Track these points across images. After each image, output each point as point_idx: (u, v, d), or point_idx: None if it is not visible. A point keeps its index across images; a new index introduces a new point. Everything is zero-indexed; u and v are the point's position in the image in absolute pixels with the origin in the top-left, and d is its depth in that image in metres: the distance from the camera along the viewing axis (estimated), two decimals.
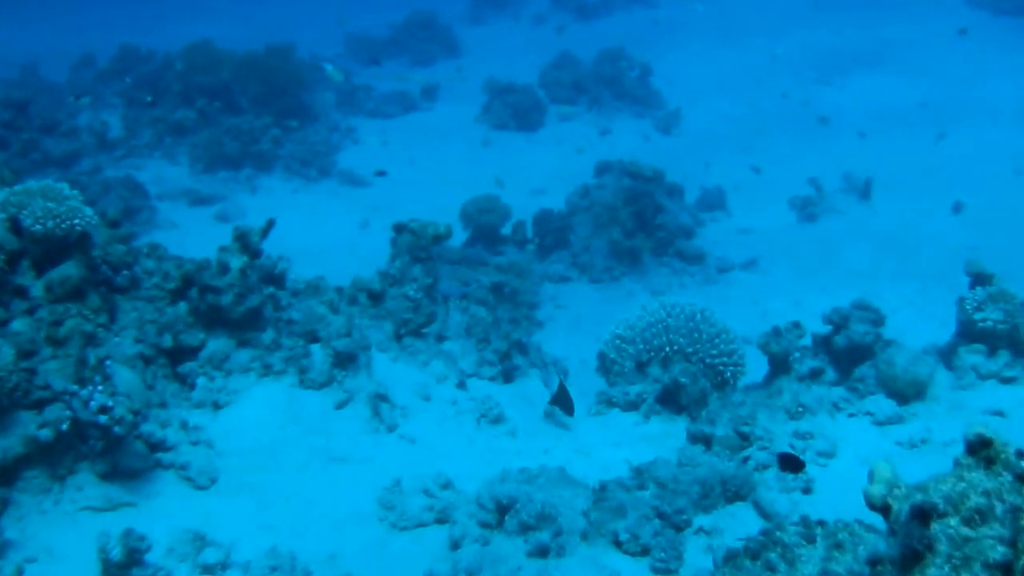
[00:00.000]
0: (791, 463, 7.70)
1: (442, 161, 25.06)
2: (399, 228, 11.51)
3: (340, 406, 9.47)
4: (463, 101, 29.51)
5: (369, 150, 25.82)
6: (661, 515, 7.70)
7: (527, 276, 17.50)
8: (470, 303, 12.40)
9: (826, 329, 10.80)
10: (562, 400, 10.02)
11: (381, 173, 19.59)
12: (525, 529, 7.59)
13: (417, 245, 11.30)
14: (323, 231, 21.26)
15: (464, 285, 15.23)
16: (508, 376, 11.86)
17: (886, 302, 16.88)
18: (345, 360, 9.64)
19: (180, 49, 25.80)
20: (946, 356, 10.31)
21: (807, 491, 8.27)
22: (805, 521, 5.76)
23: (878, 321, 10.81)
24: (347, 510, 8.43)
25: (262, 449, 8.92)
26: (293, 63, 25.94)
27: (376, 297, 10.70)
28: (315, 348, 9.66)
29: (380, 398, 9.60)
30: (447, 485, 8.58)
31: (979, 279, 10.31)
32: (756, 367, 11.12)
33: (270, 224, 9.75)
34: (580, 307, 17.58)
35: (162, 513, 8.18)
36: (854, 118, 28.61)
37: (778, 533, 5.62)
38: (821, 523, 5.69)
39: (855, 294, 17.32)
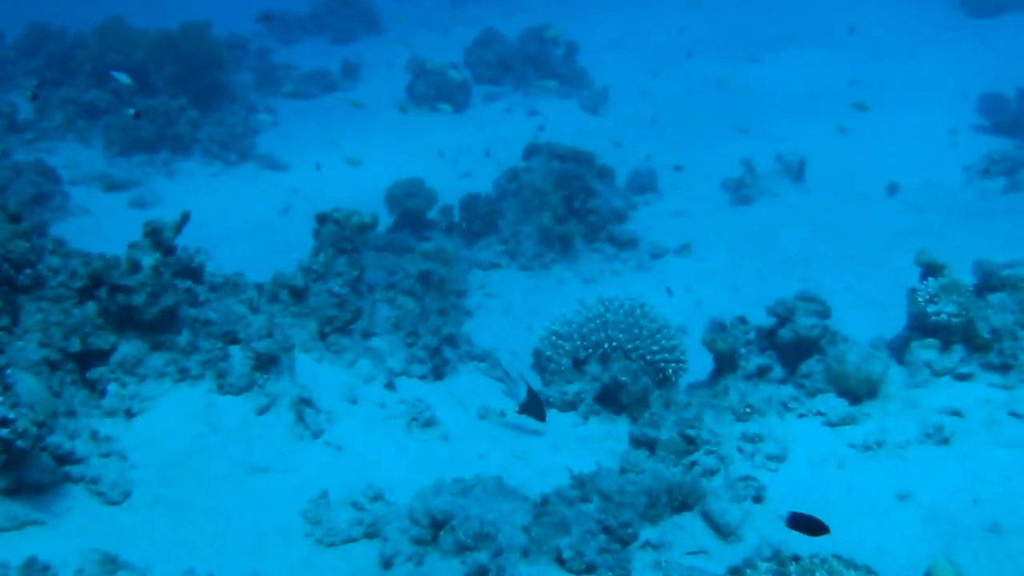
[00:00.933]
0: (810, 526, 6.68)
1: (365, 143, 24.43)
2: (322, 219, 10.96)
3: (262, 412, 8.88)
4: (385, 81, 28.90)
5: (288, 132, 25.17)
6: (606, 529, 7.23)
7: (455, 263, 16.96)
8: (397, 294, 11.89)
9: (770, 321, 10.42)
10: (532, 407, 9.44)
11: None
12: (462, 549, 7.09)
13: (341, 236, 10.76)
14: (243, 216, 20.68)
15: (390, 274, 14.70)
16: (439, 373, 11.35)
17: (823, 287, 16.68)
18: (266, 362, 9.06)
19: (92, 28, 24.94)
20: (896, 350, 9.96)
21: (758, 500, 7.85)
22: (778, 557, 5.31)
23: (824, 313, 10.44)
24: (270, 525, 7.86)
25: (179, 460, 8.32)
26: (209, 42, 25.16)
27: (299, 294, 10.13)
28: (234, 350, 9.06)
29: (304, 402, 9.03)
30: (377, 497, 8.05)
31: (930, 270, 9.94)
32: (695, 358, 10.72)
33: (184, 218, 9.15)
34: (510, 295, 17.12)
35: (71, 532, 7.56)
36: (784, 96, 28.40)
37: (749, 572, 5.15)
38: (795, 558, 5.24)
39: (792, 279, 17.19)
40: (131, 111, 19.34)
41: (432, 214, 18.48)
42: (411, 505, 7.62)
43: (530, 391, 9.34)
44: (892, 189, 20.83)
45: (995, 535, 7.20)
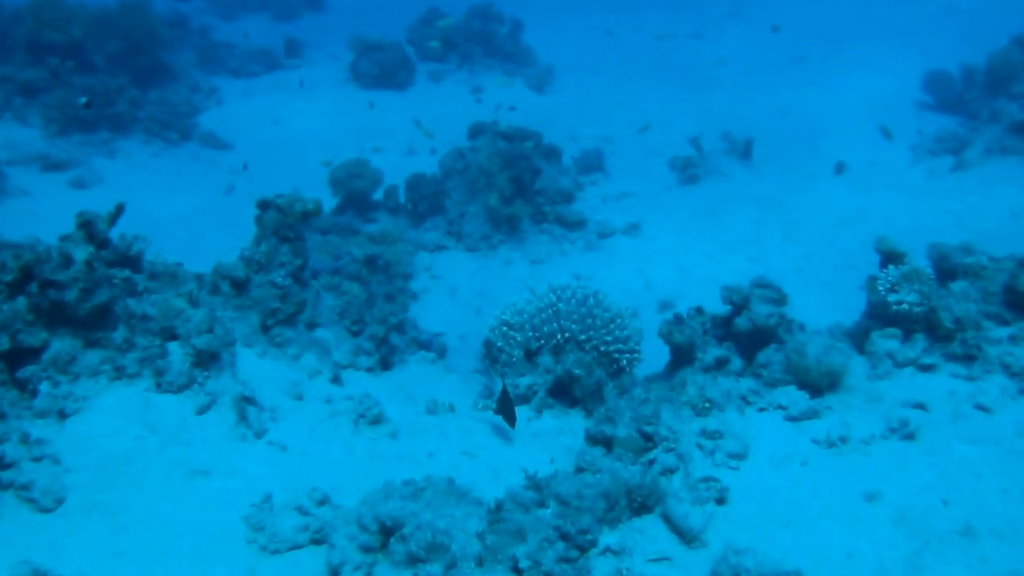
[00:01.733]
0: None
1: (308, 122, 23.95)
2: (264, 205, 10.55)
3: (202, 411, 8.48)
4: (329, 59, 28.39)
5: (231, 111, 24.65)
6: (564, 536, 6.92)
7: (401, 245, 16.62)
8: (342, 279, 11.57)
9: (725, 309, 10.15)
10: (504, 409, 9.05)
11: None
12: (414, 561, 6.76)
13: (284, 223, 10.37)
14: (186, 197, 20.18)
15: (335, 259, 14.36)
16: (386, 363, 11.04)
17: (772, 268, 16.54)
18: (207, 359, 8.65)
19: (28, 3, 24.21)
20: (856, 338, 9.72)
21: (721, 501, 7.55)
22: None
23: (780, 300, 10.17)
24: (212, 531, 7.48)
25: (115, 463, 7.91)
26: (149, 19, 24.50)
27: (240, 286, 9.73)
28: (173, 347, 8.65)
29: (246, 400, 8.63)
30: (324, 500, 7.69)
31: (890, 257, 9.70)
32: (647, 341, 10.44)
33: (119, 209, 8.73)
34: (457, 277, 16.82)
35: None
36: (729, 73, 28.22)
37: None
38: None
39: (741, 260, 16.99)
40: (83, 100, 18.77)
41: (377, 195, 18.08)
42: (359, 511, 7.27)
43: (504, 393, 8.97)
44: (840, 168, 20.69)
45: (968, 538, 6.96)
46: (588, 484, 7.35)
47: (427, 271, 16.87)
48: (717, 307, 15.47)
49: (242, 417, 8.52)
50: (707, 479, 7.65)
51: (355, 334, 10.74)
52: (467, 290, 16.27)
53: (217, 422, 8.46)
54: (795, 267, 16.64)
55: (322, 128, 23.60)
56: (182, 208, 19.72)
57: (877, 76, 26.97)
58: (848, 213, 18.39)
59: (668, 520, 7.37)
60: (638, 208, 19.13)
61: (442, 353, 13.04)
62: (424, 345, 12.78)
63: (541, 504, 7.18)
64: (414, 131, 22.89)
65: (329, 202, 17.72)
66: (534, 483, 7.37)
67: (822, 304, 14.68)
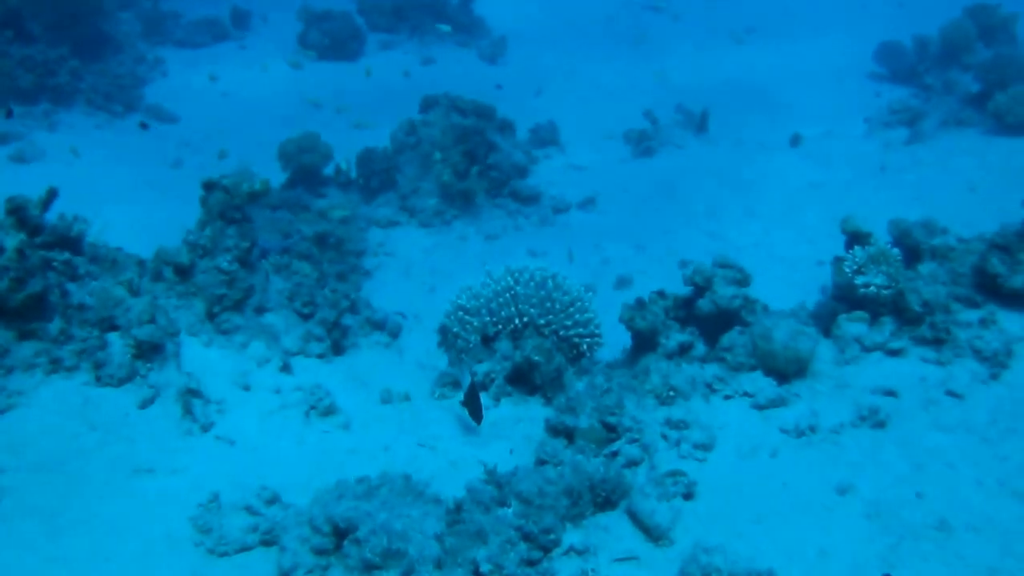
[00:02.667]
0: None
1: (257, 94, 23.42)
2: (209, 186, 10.15)
3: (145, 405, 8.10)
4: (277, 29, 27.80)
5: (178, 82, 24.08)
6: (527, 536, 6.61)
7: (352, 222, 16.24)
8: (292, 258, 11.17)
9: (686, 290, 9.89)
10: (471, 405, 8.64)
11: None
12: (370, 568, 6.44)
13: (231, 205, 9.97)
14: (132, 171, 19.60)
15: (285, 238, 13.97)
16: (338, 348, 10.67)
17: (730, 243, 16.32)
18: (149, 350, 8.27)
19: None
20: (821, 320, 9.48)
21: (688, 496, 7.25)
22: None
23: (743, 281, 9.91)
24: (156, 534, 7.11)
25: (52, 462, 7.52)
26: None
27: (184, 272, 9.32)
28: (113, 338, 8.26)
29: (192, 393, 8.26)
30: (273, 499, 7.35)
31: (856, 238, 9.45)
32: (604, 319, 10.13)
33: (51, 194, 8.32)
34: (411, 254, 16.40)
35: None
36: (683, 44, 27.93)
37: None
38: None
39: (699, 235, 16.73)
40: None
41: (328, 170, 17.65)
42: (311, 512, 6.95)
43: (472, 388, 8.59)
44: (795, 140, 20.44)
45: (944, 533, 6.72)
46: (551, 480, 7.04)
47: (380, 248, 16.45)
48: (676, 284, 15.31)
49: (187, 411, 8.15)
50: (674, 473, 7.35)
51: (306, 317, 10.36)
52: (421, 267, 15.89)
53: (161, 416, 8.09)
54: (753, 241, 16.38)
55: (271, 100, 23.07)
56: (128, 182, 19.14)
57: (829, 47, 26.79)
58: (805, 187, 18.13)
59: (634, 517, 7.08)
60: (593, 182, 18.79)
61: (396, 333, 12.67)
62: (378, 325, 12.41)
63: (502, 503, 6.87)
64: (365, 103, 22.47)
65: (279, 177, 17.29)
66: (494, 480, 7.05)
67: (780, 280, 14.46)
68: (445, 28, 25.68)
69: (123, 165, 19.81)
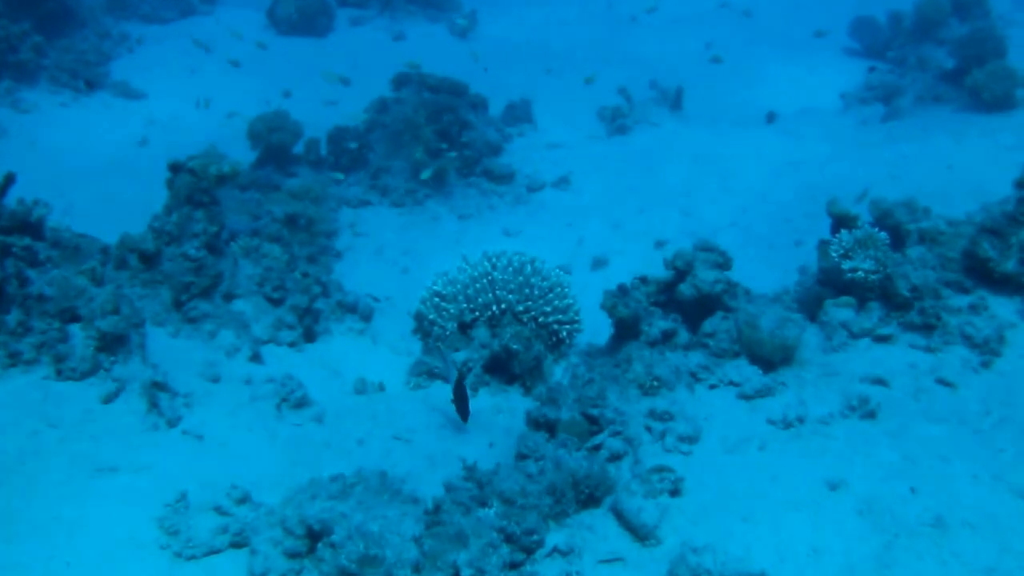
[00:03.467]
0: None
1: (225, 71, 22.97)
2: (175, 168, 9.84)
3: (108, 400, 7.77)
4: (245, 4, 27.30)
5: (144, 58, 23.59)
6: (509, 538, 6.35)
7: (323, 201, 15.90)
8: (262, 240, 10.87)
9: (667, 274, 9.62)
10: (458, 403, 8.27)
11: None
12: (345, 575, 6.15)
13: (198, 188, 9.66)
14: (98, 149, 19.24)
15: (255, 219, 13.64)
16: (310, 334, 10.41)
17: (707, 222, 16.09)
18: (113, 342, 7.93)
19: None
20: (805, 305, 9.26)
21: (675, 493, 6.98)
22: None
23: (725, 265, 9.66)
24: (120, 536, 6.79)
25: (9, 462, 7.18)
26: None
27: (150, 259, 9.00)
28: (75, 329, 7.91)
29: (158, 386, 7.93)
30: (244, 499, 7.04)
31: (842, 221, 9.20)
32: (584, 302, 9.88)
33: (8, 179, 7.97)
34: (382, 234, 16.11)
35: None
36: (655, 19, 27.61)
37: None
38: None
39: (675, 213, 16.48)
40: None
41: (298, 148, 17.31)
42: (284, 513, 6.66)
43: (459, 384, 8.24)
44: (771, 117, 20.21)
45: (939, 530, 6.47)
46: (533, 478, 6.78)
47: (351, 228, 16.13)
48: (653, 264, 15.05)
49: (153, 405, 7.83)
50: (660, 469, 7.07)
51: (276, 302, 10.07)
52: (393, 247, 15.59)
53: (125, 412, 7.76)
54: (730, 220, 16.15)
55: (240, 78, 22.64)
56: (93, 162, 18.78)
57: (804, 20, 26.52)
58: (781, 164, 17.88)
59: (619, 515, 6.81)
60: (567, 160, 18.49)
61: (368, 317, 12.41)
62: (350, 308, 12.16)
63: (483, 503, 6.60)
64: (335, 85, 22.12)
65: (248, 156, 16.95)
66: (475, 478, 6.78)
67: (759, 259, 14.26)
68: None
69: (89, 144, 19.44)
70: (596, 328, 10.06)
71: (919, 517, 6.61)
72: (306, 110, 18.65)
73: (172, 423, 7.86)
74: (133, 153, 19.27)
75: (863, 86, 21.03)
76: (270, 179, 16.19)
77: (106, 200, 16.44)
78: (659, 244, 15.31)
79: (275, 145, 17.03)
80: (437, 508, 6.55)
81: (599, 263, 14.92)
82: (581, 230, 16.04)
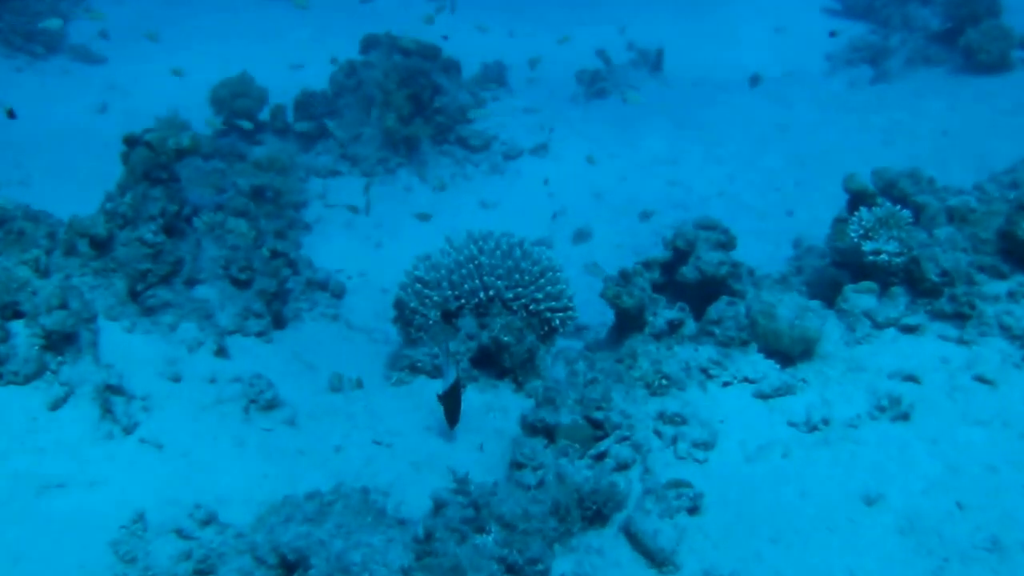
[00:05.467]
0: None
1: (188, 36, 22.01)
2: (131, 141, 9.01)
3: (56, 406, 6.90)
4: None
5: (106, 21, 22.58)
6: (511, 568, 5.60)
7: (290, 172, 15.06)
8: (227, 215, 10.08)
9: (665, 254, 8.91)
10: (448, 405, 7.44)
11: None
12: None
13: (156, 163, 8.82)
14: (54, 117, 18.33)
15: (219, 192, 12.79)
16: (279, 320, 9.61)
17: (694, 191, 15.36)
18: (60, 341, 7.06)
19: None
20: (816, 288, 8.58)
21: (694, 511, 6.25)
22: None
23: (728, 244, 9.02)
24: (69, 563, 6.00)
25: None
26: None
27: (102, 245, 8.13)
28: (17, 327, 7.04)
29: (112, 389, 7.07)
30: (209, 519, 6.25)
31: (860, 197, 8.47)
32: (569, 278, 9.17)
33: None
34: (357, 208, 15.22)
35: None
36: None
37: None
38: None
39: (660, 182, 15.71)
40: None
41: (263, 115, 16.41)
42: (254, 539, 5.89)
43: (454, 386, 7.40)
44: (755, 80, 19.43)
45: (997, 555, 5.77)
46: (536, 499, 6.03)
47: (320, 199, 15.30)
48: (639, 237, 14.36)
49: (107, 410, 6.98)
50: (677, 484, 6.35)
51: (243, 284, 9.26)
52: (365, 220, 14.76)
53: (76, 419, 6.90)
54: (717, 190, 15.42)
55: (205, 43, 21.69)
56: (50, 130, 17.88)
57: None
58: (768, 129, 17.14)
59: (633, 537, 6.09)
60: (545, 125, 17.65)
61: (340, 294, 11.67)
62: (321, 285, 11.41)
63: (480, 528, 5.83)
64: (299, 42, 21.22)
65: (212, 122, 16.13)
66: (471, 500, 6.00)
67: (750, 232, 13.41)
68: None
69: (45, 111, 18.52)
70: (582, 308, 9.36)
71: (971, 538, 5.91)
72: (272, 75, 17.76)
73: (128, 430, 7.02)
74: (92, 121, 18.36)
75: (848, 47, 20.29)
76: (235, 147, 15.36)
77: (64, 169, 15.63)
78: (644, 215, 14.58)
79: (239, 112, 16.15)
80: (428, 536, 5.77)
81: (581, 236, 14.16)
82: (561, 200, 15.22)
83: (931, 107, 16.84)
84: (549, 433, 6.92)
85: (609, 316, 9.46)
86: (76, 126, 18.02)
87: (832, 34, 19.89)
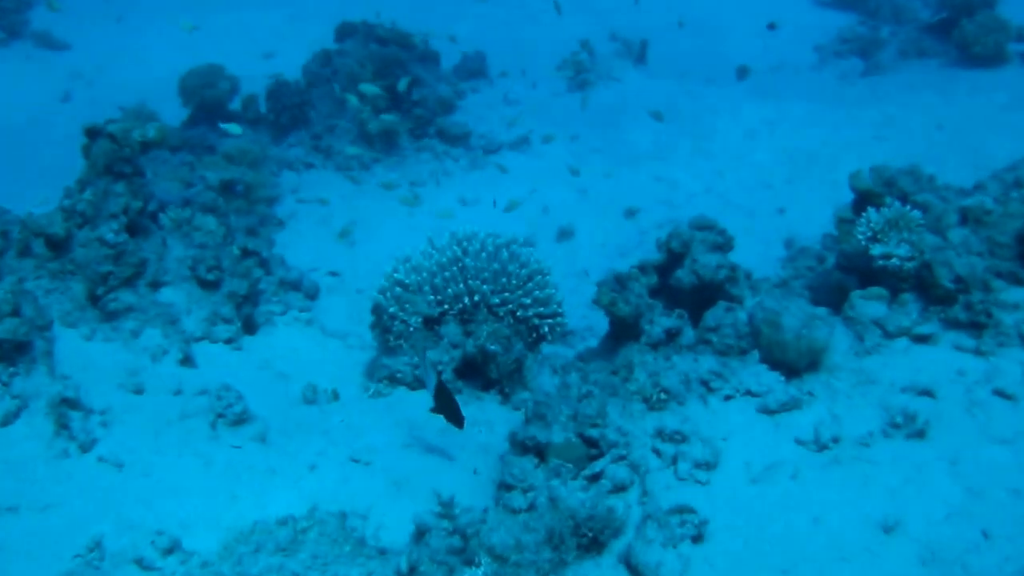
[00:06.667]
0: None
1: (155, 22, 21.44)
2: (93, 132, 8.49)
3: (7, 422, 6.36)
4: None
5: (68, 5, 21.96)
6: None
7: (262, 165, 14.53)
8: (195, 211, 9.55)
9: (659, 257, 8.43)
10: (446, 407, 6.86)
11: None
12: None
13: (119, 156, 8.29)
14: (15, 105, 17.82)
15: (187, 186, 12.26)
16: (250, 325, 9.08)
17: (681, 188, 14.89)
18: (12, 350, 6.51)
19: None
20: (820, 294, 8.10)
21: (698, 539, 5.77)
22: None
23: (726, 246, 8.51)
24: None
25: None
26: None
27: (59, 245, 7.59)
28: None
29: (68, 403, 6.55)
30: (172, 548, 5.75)
31: (866, 197, 8.01)
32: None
33: None
34: (328, 201, 14.67)
35: None
36: None
37: None
38: None
39: (644, 178, 15.23)
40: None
41: (234, 105, 15.90)
42: (220, 570, 5.39)
43: (440, 388, 6.83)
44: (742, 72, 18.99)
45: None
46: (529, 526, 5.53)
47: (293, 194, 14.76)
48: (625, 235, 13.87)
49: (62, 426, 6.46)
50: (680, 510, 5.85)
51: (212, 285, 8.73)
52: (340, 217, 14.21)
53: (28, 436, 6.38)
54: (705, 186, 14.96)
55: (171, 30, 21.12)
56: (12, 118, 17.40)
57: None
58: (757, 123, 16.69)
59: (634, 570, 5.59)
60: (526, 118, 17.11)
61: (315, 295, 11.14)
62: (294, 285, 10.87)
63: (469, 561, 5.33)
64: (271, 30, 20.67)
65: (180, 113, 15.62)
66: (458, 529, 5.50)
67: (740, 230, 12.89)
68: None
69: (7, 98, 18.04)
70: (569, 311, 8.86)
71: (999, 571, 5.44)
72: (243, 63, 17.24)
73: (85, 448, 6.49)
74: (54, 109, 17.83)
75: (837, 39, 19.88)
76: (204, 139, 14.85)
77: (27, 160, 15.14)
78: (630, 212, 14.11)
79: (209, 101, 15.68)
80: (412, 569, 5.27)
81: (565, 234, 13.68)
82: (544, 197, 14.71)
83: (925, 101, 16.44)
84: (540, 452, 6.42)
85: (595, 319, 9.01)
86: (39, 115, 17.54)
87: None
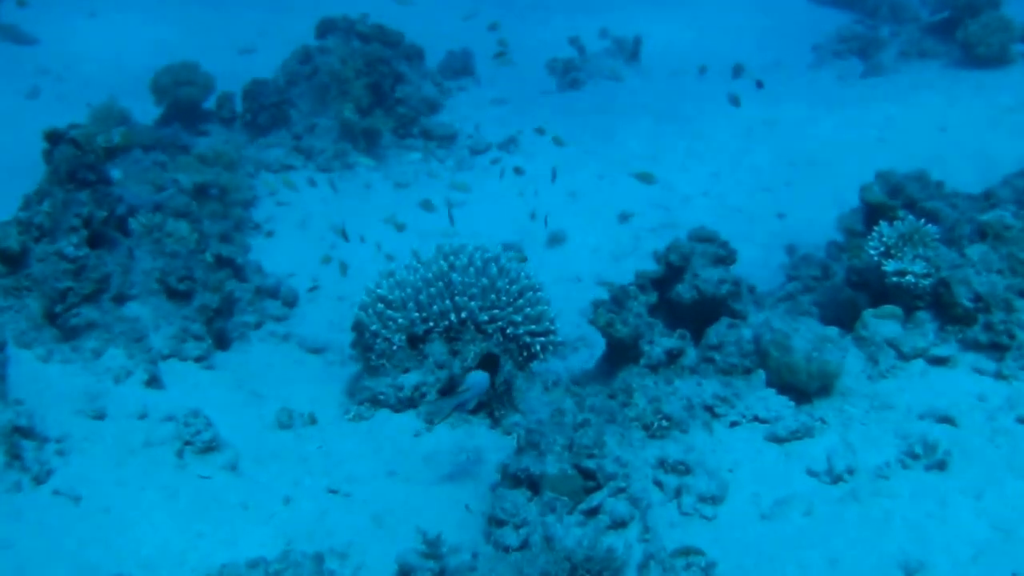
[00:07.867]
0: None
1: (127, 17, 20.90)
2: (54, 137, 8.03)
3: None
4: None
5: None
6: None
7: (238, 166, 14.02)
8: (166, 216, 9.07)
9: (656, 269, 7.97)
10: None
11: None
12: None
13: (82, 163, 7.80)
14: None
15: (158, 189, 11.76)
16: (222, 340, 8.59)
17: (677, 191, 14.40)
18: None
19: None
20: (829, 310, 7.65)
21: None
22: None
23: (728, 259, 8.05)
24: None
25: None
26: None
27: (14, 260, 7.08)
28: None
29: (21, 432, 6.03)
30: None
31: (878, 210, 7.54)
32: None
33: None
34: (307, 203, 14.20)
35: None
36: None
37: None
38: None
39: (638, 182, 14.70)
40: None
41: (209, 104, 15.39)
42: None
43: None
44: (738, 71, 18.48)
45: None
46: (523, 573, 5.05)
47: (272, 196, 14.22)
48: (618, 242, 13.40)
49: (14, 456, 5.95)
50: (686, 552, 5.38)
51: (182, 296, 8.24)
52: (320, 220, 13.72)
53: None
54: (701, 189, 14.49)
55: (143, 26, 20.60)
56: None
57: None
58: (754, 124, 16.18)
59: None
60: (514, 118, 16.65)
61: (293, 303, 10.71)
62: (271, 293, 10.43)
63: None
64: (251, 24, 20.16)
65: (152, 112, 15.10)
66: (445, 572, 5.02)
67: (739, 236, 12.44)
68: None
69: None
70: (561, 320, 8.38)
71: None
72: (219, 60, 16.73)
73: (39, 480, 5.99)
74: (20, 106, 17.28)
75: (835, 38, 19.43)
76: (177, 139, 14.32)
77: None
78: (623, 217, 13.66)
79: (183, 100, 15.17)
80: None
81: (556, 239, 13.22)
82: (533, 200, 14.21)
83: (926, 102, 15.98)
84: (533, 484, 5.94)
85: (589, 328, 8.53)
86: (4, 113, 16.97)
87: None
